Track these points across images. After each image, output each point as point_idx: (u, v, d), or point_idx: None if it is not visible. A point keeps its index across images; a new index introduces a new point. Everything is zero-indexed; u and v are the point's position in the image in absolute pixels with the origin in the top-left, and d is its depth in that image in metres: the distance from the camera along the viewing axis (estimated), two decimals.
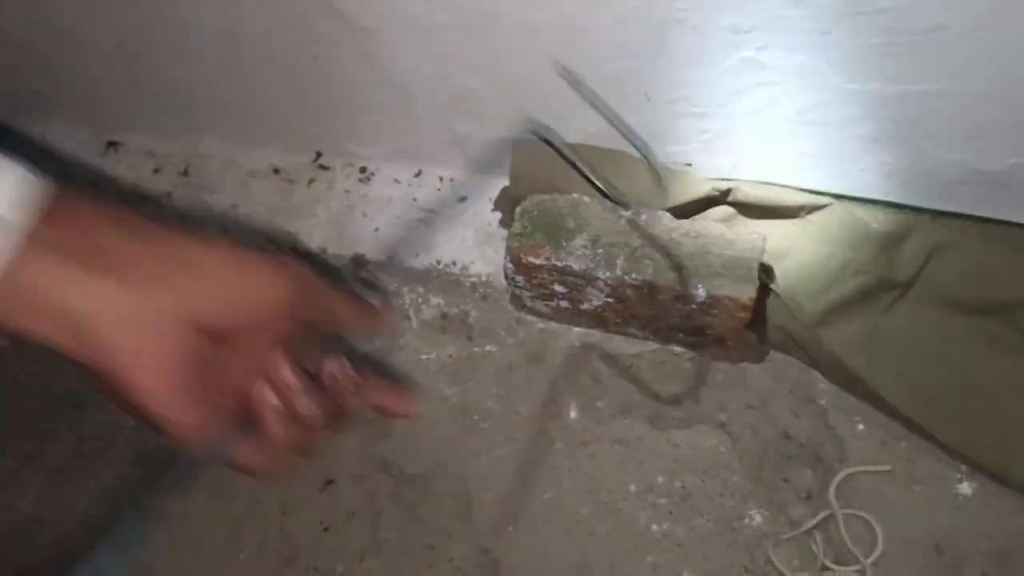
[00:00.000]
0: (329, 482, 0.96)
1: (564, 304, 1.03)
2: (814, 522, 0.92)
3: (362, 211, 1.14)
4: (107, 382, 0.37)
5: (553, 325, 1.06)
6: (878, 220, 1.07)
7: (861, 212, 1.08)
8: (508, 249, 1.00)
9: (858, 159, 1.06)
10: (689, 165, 1.11)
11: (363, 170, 1.18)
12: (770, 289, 1.01)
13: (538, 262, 0.98)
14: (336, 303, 0.45)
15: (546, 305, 1.04)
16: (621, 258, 0.97)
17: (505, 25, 0.97)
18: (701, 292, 0.95)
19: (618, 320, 1.03)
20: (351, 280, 0.55)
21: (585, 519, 0.92)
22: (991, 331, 1.02)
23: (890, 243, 1.05)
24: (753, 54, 0.94)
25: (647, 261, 0.97)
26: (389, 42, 1.00)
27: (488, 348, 1.05)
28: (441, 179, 1.17)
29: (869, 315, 1.03)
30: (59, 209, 0.37)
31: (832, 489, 0.94)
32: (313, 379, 0.43)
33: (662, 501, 0.94)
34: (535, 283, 1.01)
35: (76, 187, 0.39)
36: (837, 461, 0.96)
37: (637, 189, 1.07)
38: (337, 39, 1.01)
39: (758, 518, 0.93)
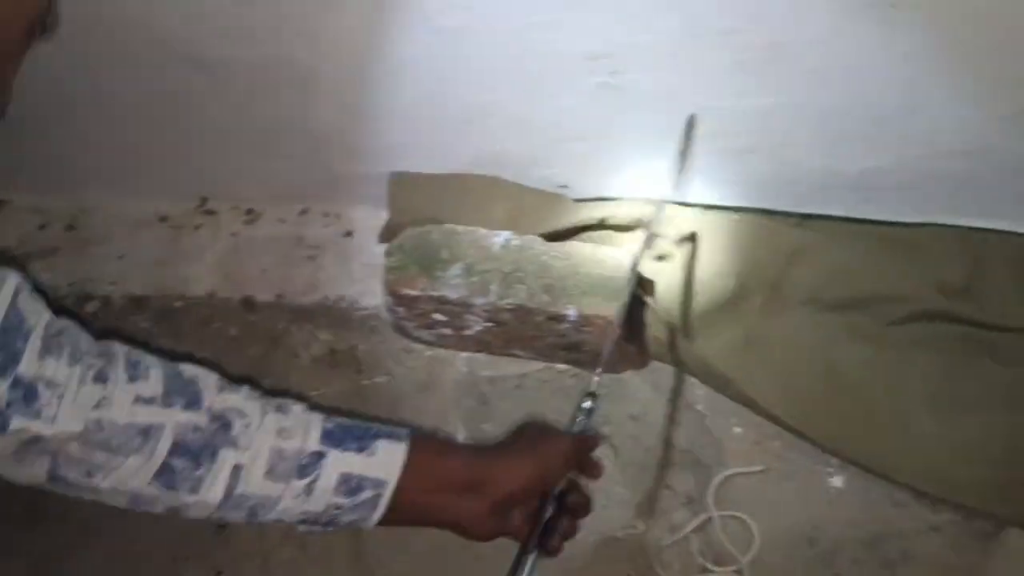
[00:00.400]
0: (222, 527, 0.98)
1: (447, 331, 1.06)
2: (692, 526, 0.95)
3: (249, 253, 1.16)
4: (459, 533, 0.71)
5: (440, 352, 1.09)
6: (746, 228, 1.12)
7: (730, 222, 1.12)
8: (385, 283, 1.02)
9: (724, 171, 1.10)
10: (565, 187, 1.15)
11: (249, 212, 1.20)
12: (646, 302, 1.05)
13: (415, 293, 1.01)
14: (584, 466, 0.75)
15: (430, 333, 1.07)
16: (494, 284, 1.01)
17: (369, 63, 0.99)
18: (572, 312, 0.99)
19: (500, 343, 1.06)
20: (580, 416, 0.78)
21: (472, 544, 0.95)
22: (856, 326, 1.07)
23: (758, 249, 1.10)
24: (608, 79, 0.97)
25: (519, 285, 1.00)
26: (250, 87, 1.02)
27: (377, 380, 1.08)
28: (327, 215, 1.19)
29: (740, 320, 1.07)
30: (415, 460, 0.67)
31: (711, 492, 0.98)
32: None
33: None
34: (416, 314, 1.04)
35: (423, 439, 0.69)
36: (716, 464, 1.00)
37: (509, 214, 1.10)
38: (201, 87, 1.03)
39: (641, 527, 0.97)
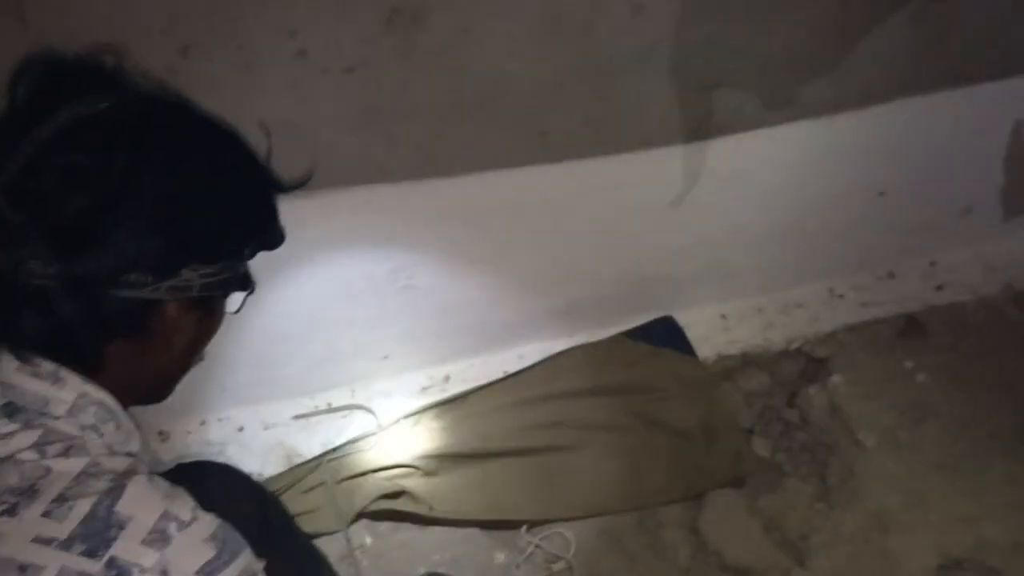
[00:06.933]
0: None
1: None
2: (532, 547, 1.55)
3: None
4: None
5: None
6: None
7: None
8: None
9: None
10: (386, 357, 1.76)
11: (161, 433, 1.69)
12: None
13: None
14: None
15: None
16: None
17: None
18: None
19: None
20: None
21: None
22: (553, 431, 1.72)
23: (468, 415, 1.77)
24: (407, 282, 1.62)
25: None
26: None
27: None
28: (220, 420, 1.71)
29: (458, 470, 1.72)
30: None
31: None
32: None
33: None
34: None
35: None
36: None
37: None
38: None
39: (501, 557, 1.55)
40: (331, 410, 1.74)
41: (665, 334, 1.86)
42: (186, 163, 0.75)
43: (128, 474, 0.71)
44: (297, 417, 1.73)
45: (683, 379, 1.79)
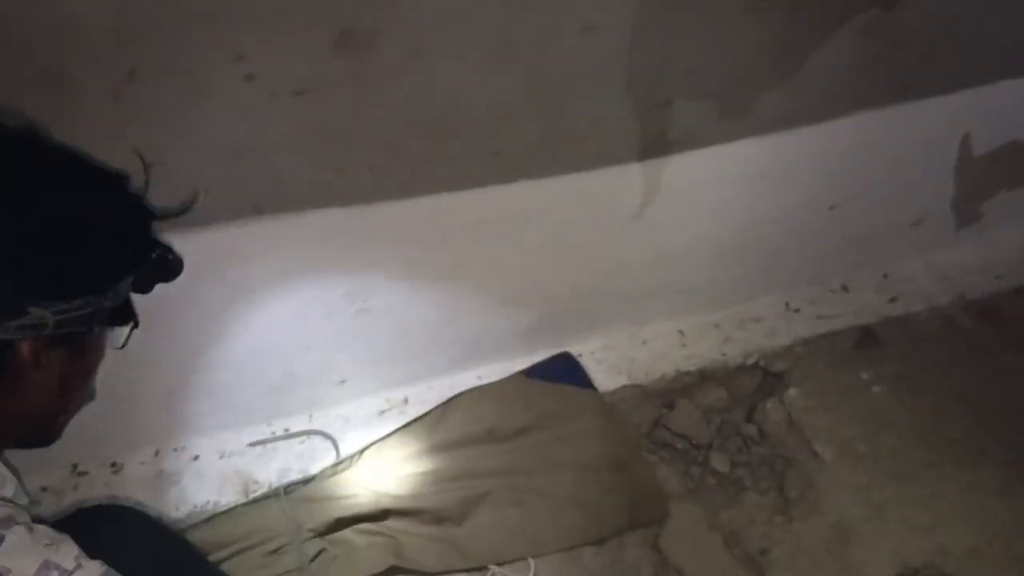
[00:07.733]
0: None
1: None
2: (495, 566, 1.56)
3: (123, 495, 1.62)
4: None
5: None
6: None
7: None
8: None
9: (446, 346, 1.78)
10: (343, 381, 1.75)
11: (114, 464, 1.66)
12: None
13: None
14: None
15: None
16: None
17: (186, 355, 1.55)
18: None
19: None
20: None
21: None
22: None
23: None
24: (362, 305, 1.61)
25: None
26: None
27: None
28: (176, 449, 1.69)
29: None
30: None
31: None
32: None
33: None
34: None
35: None
36: None
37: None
38: None
39: None
40: (287, 436, 1.73)
41: (562, 370, 1.87)
42: (33, 198, 0.73)
43: (7, 523, 0.70)
44: (253, 444, 1.71)
45: (583, 414, 1.79)
